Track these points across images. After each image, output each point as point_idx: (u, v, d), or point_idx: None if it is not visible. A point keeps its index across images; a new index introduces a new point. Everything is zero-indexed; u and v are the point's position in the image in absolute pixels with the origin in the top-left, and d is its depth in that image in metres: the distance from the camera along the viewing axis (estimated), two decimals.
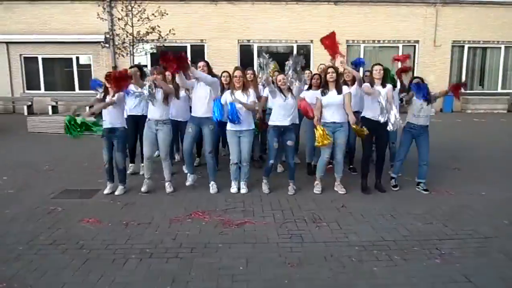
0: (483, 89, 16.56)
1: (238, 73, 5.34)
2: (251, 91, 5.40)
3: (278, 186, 5.65)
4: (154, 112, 5.29)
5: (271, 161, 5.44)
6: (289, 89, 5.38)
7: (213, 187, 5.54)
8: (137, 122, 6.03)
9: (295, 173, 5.58)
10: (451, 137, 9.61)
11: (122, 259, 3.58)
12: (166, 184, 5.56)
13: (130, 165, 6.41)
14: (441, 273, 3.33)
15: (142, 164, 6.10)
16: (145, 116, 5.55)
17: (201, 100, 5.41)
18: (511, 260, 3.56)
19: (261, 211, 4.83)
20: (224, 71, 6.29)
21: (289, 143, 5.37)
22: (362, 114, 5.46)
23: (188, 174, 5.82)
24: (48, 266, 3.44)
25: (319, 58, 14.30)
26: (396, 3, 15.24)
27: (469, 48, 16.08)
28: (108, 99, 5.21)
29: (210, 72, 5.64)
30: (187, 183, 5.75)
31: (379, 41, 15.56)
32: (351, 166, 6.54)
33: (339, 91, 5.23)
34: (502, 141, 9.49)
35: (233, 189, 5.49)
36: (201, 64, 5.62)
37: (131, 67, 6.16)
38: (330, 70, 5.31)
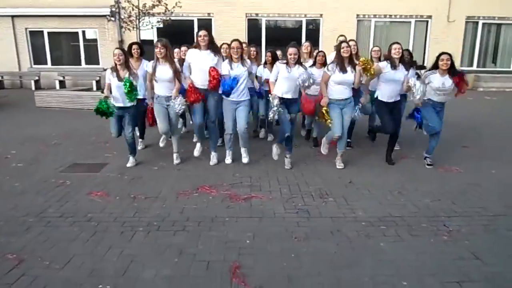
0: (496, 67, 16.21)
1: (235, 44, 5.23)
2: (248, 61, 5.44)
3: (283, 161, 5.62)
4: (163, 89, 5.26)
5: (288, 134, 5.22)
6: (298, 63, 5.15)
7: (213, 159, 5.65)
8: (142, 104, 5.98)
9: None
10: (461, 115, 9.46)
11: (130, 232, 3.62)
12: (174, 155, 5.64)
13: (140, 140, 6.49)
14: (449, 250, 3.32)
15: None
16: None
17: (204, 73, 5.21)
18: None
19: (268, 186, 4.82)
20: (223, 43, 6.21)
21: (292, 116, 5.31)
22: (377, 96, 5.47)
23: (198, 144, 5.86)
24: (57, 238, 3.49)
25: (329, 33, 14.11)
26: None
27: (483, 24, 15.65)
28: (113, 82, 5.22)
29: (211, 41, 5.29)
30: (195, 153, 5.82)
31: (390, 15, 15.19)
32: (348, 140, 6.24)
33: (353, 69, 5.22)
34: None
35: (228, 160, 5.62)
36: (201, 33, 5.22)
37: (131, 44, 6.17)
38: (344, 45, 5.18)
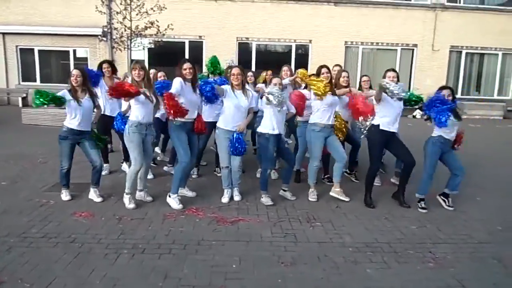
0: (479, 95, 16.63)
1: (236, 70, 4.90)
2: (250, 90, 5.10)
3: (270, 184, 5.56)
4: (148, 115, 4.69)
5: (269, 171, 5.14)
6: None
7: (177, 205, 4.78)
8: (107, 122, 5.72)
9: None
10: None
11: (114, 254, 3.55)
12: (144, 193, 5.00)
13: (106, 165, 6.04)
14: (435, 277, 3.32)
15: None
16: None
17: (193, 105, 4.80)
18: (505, 267, 3.56)
19: (256, 209, 4.81)
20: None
21: (286, 145, 5.16)
22: (375, 123, 4.92)
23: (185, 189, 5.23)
24: (39, 259, 3.41)
25: (317, 59, 14.36)
26: (395, 6, 15.28)
27: (466, 53, 16.14)
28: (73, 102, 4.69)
29: (195, 76, 4.82)
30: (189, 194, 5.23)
31: (377, 43, 15.56)
32: (348, 171, 6.18)
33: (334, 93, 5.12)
34: (497, 148, 9.54)
35: (225, 198, 5.05)
36: (186, 66, 4.68)
37: (101, 62, 6.00)
38: (324, 70, 5.14)
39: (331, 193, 5.19)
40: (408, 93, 5.17)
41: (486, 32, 15.61)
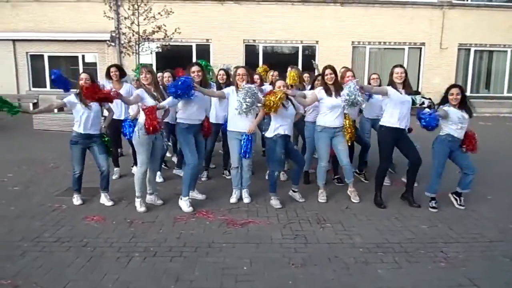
0: (489, 92, 16.46)
1: (242, 71, 4.94)
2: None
3: (280, 185, 5.57)
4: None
5: (277, 173, 5.10)
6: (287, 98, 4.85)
7: (188, 207, 4.82)
8: (118, 126, 5.69)
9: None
10: None
11: (126, 258, 3.59)
12: (154, 197, 5.04)
13: (116, 169, 6.22)
14: (447, 277, 3.31)
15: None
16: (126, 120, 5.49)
17: (201, 107, 4.92)
18: None
19: (265, 211, 4.82)
20: (220, 69, 6.23)
21: (295, 147, 5.15)
22: (383, 123, 4.96)
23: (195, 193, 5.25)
24: (52, 264, 3.46)
25: (324, 59, 14.33)
26: (402, 5, 15.18)
27: (475, 51, 15.98)
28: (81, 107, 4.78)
29: (204, 78, 4.88)
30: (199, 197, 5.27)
31: (384, 42, 15.49)
32: (358, 171, 6.14)
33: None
34: (507, 145, 9.43)
35: (233, 198, 5.11)
36: (194, 69, 4.77)
37: (109, 67, 5.98)
38: (327, 71, 4.99)
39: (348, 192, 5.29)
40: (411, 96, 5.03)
41: (495, 29, 15.44)
